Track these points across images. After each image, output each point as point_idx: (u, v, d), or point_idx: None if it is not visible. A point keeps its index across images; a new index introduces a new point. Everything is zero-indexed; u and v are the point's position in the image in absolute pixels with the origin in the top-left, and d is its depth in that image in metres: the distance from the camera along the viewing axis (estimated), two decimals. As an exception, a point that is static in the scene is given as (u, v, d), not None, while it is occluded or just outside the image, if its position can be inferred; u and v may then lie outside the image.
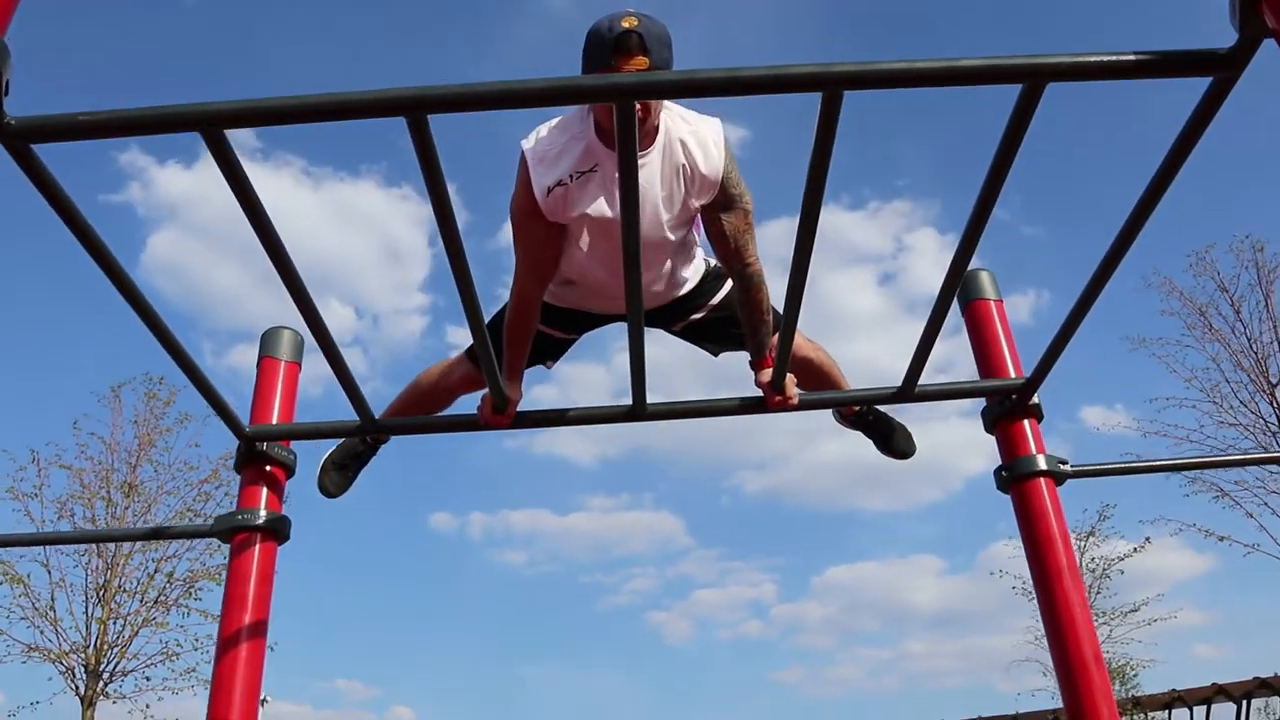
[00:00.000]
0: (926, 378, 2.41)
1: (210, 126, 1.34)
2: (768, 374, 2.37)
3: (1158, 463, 3.13)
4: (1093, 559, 18.73)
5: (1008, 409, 2.58)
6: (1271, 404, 15.97)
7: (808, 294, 1.93)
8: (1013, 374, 2.62)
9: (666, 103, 2.16)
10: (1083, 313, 2.14)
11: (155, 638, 14.40)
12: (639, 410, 2.36)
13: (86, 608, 14.16)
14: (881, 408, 2.95)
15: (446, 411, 2.77)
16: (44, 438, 21.22)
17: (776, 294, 2.22)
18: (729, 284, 2.57)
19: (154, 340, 1.96)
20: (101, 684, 13.87)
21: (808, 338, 2.73)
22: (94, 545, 14.05)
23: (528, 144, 2.17)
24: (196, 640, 14.42)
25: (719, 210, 2.23)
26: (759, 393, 2.42)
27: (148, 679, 14.28)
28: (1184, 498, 18.87)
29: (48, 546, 14.01)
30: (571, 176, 2.13)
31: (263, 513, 2.51)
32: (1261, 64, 1.33)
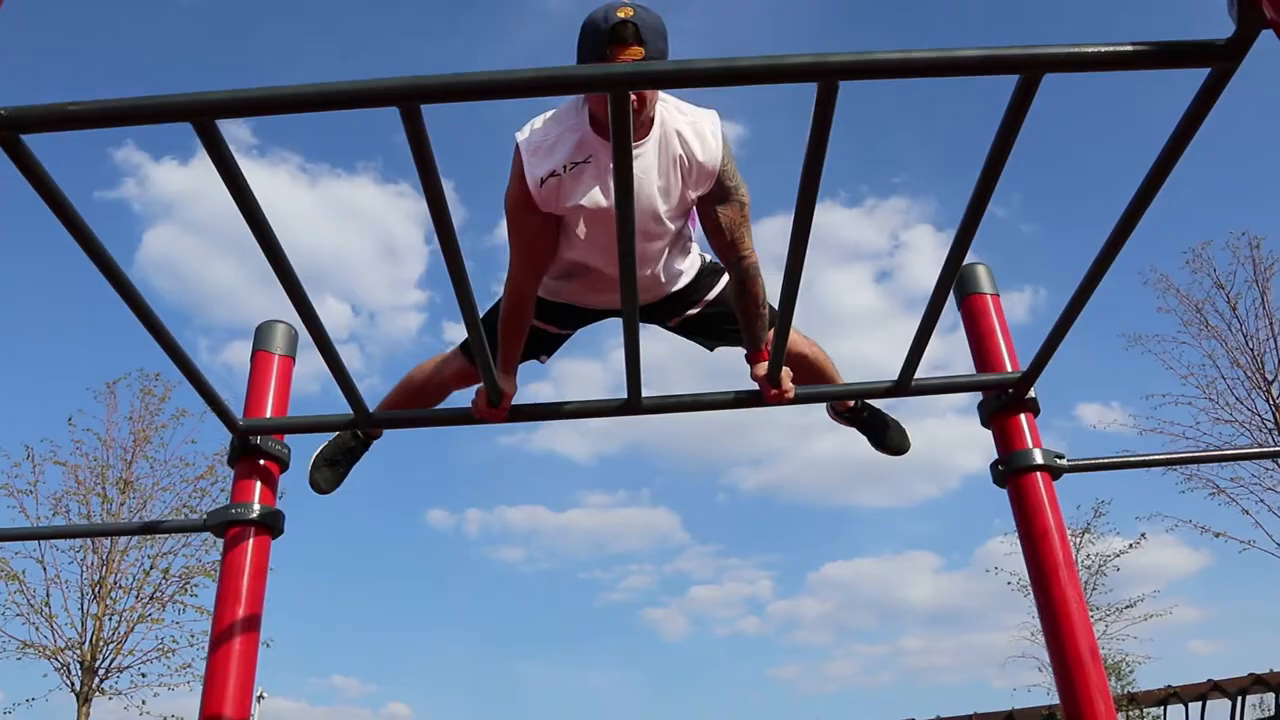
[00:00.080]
0: (923, 374, 2.40)
1: (201, 117, 1.34)
2: (763, 367, 2.36)
3: (1153, 457, 3.14)
4: (1088, 555, 18.80)
5: (1004, 403, 2.58)
6: (1268, 400, 16.02)
7: (804, 291, 1.92)
8: (1009, 368, 2.61)
9: (663, 94, 2.16)
10: (1080, 305, 2.14)
11: (151, 634, 14.46)
12: (634, 403, 2.35)
13: (82, 604, 14.17)
14: (877, 403, 2.95)
15: (440, 406, 2.76)
16: (39, 434, 21.22)
17: (772, 287, 2.22)
18: (725, 279, 2.56)
19: (149, 336, 1.95)
20: (97, 680, 13.88)
21: (803, 334, 2.73)
22: (89, 541, 14.06)
23: (522, 135, 2.17)
24: (192, 636, 14.47)
25: (715, 202, 2.22)
26: (755, 386, 2.42)
27: (143, 675, 14.33)
28: (1180, 494, 19.01)
29: (43, 542, 14.01)
30: (565, 167, 2.12)
31: (256, 506, 2.50)
32: (1258, 58, 1.33)
